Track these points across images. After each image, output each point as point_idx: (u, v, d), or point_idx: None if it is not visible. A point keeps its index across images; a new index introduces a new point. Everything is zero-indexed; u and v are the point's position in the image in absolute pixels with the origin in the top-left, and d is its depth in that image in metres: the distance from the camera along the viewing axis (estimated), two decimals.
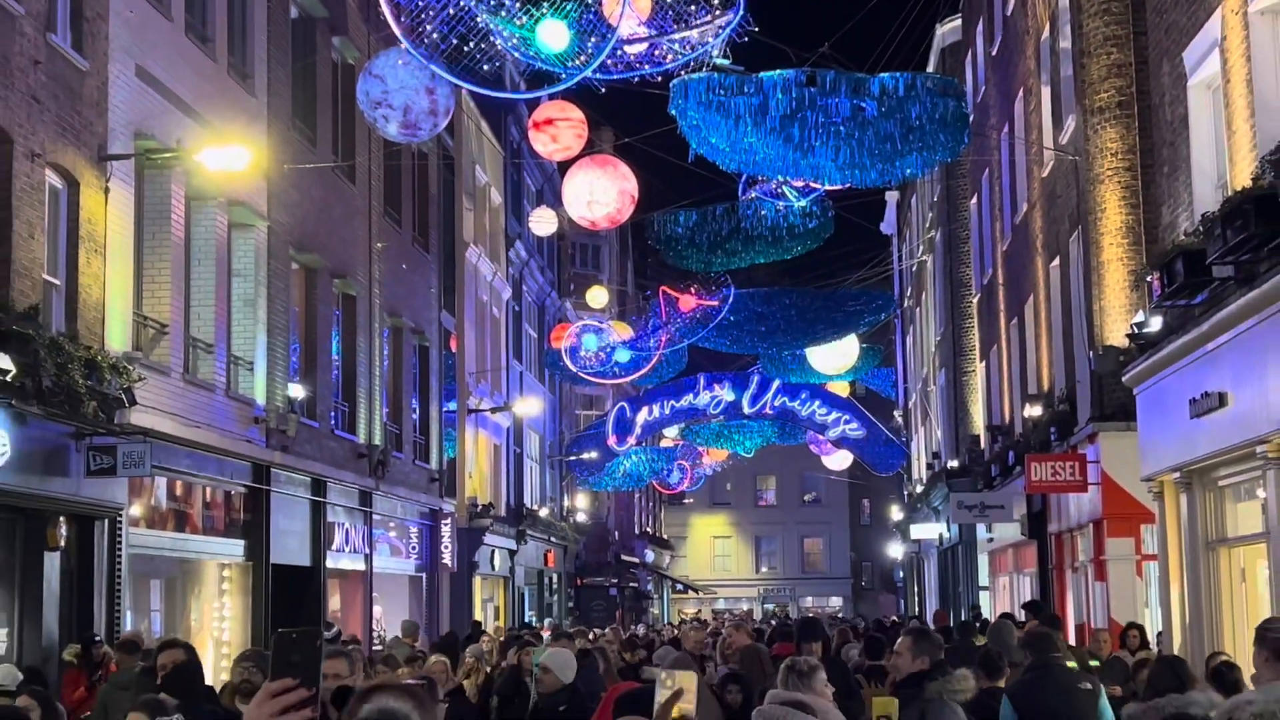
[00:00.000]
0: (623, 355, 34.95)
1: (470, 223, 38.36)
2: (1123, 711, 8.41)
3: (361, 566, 28.51)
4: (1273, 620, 8.27)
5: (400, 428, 31.13)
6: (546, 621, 41.96)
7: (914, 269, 49.83)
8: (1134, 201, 19.28)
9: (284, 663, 2.76)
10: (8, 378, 14.59)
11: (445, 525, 33.74)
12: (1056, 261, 23.29)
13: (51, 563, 16.68)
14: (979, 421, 34.58)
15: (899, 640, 8.60)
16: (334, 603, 27.48)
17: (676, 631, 27.02)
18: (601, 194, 18.66)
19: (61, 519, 16.77)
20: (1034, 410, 24.13)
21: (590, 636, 18.78)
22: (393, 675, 11.18)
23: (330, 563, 26.08)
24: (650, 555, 70.21)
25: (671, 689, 3.99)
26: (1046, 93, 23.95)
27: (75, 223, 17.26)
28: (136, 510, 19.04)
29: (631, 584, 63.53)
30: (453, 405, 35.73)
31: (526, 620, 41.65)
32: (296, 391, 24.30)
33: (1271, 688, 6.52)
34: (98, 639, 15.74)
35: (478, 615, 34.78)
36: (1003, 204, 29.65)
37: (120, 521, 18.08)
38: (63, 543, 16.75)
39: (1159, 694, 7.44)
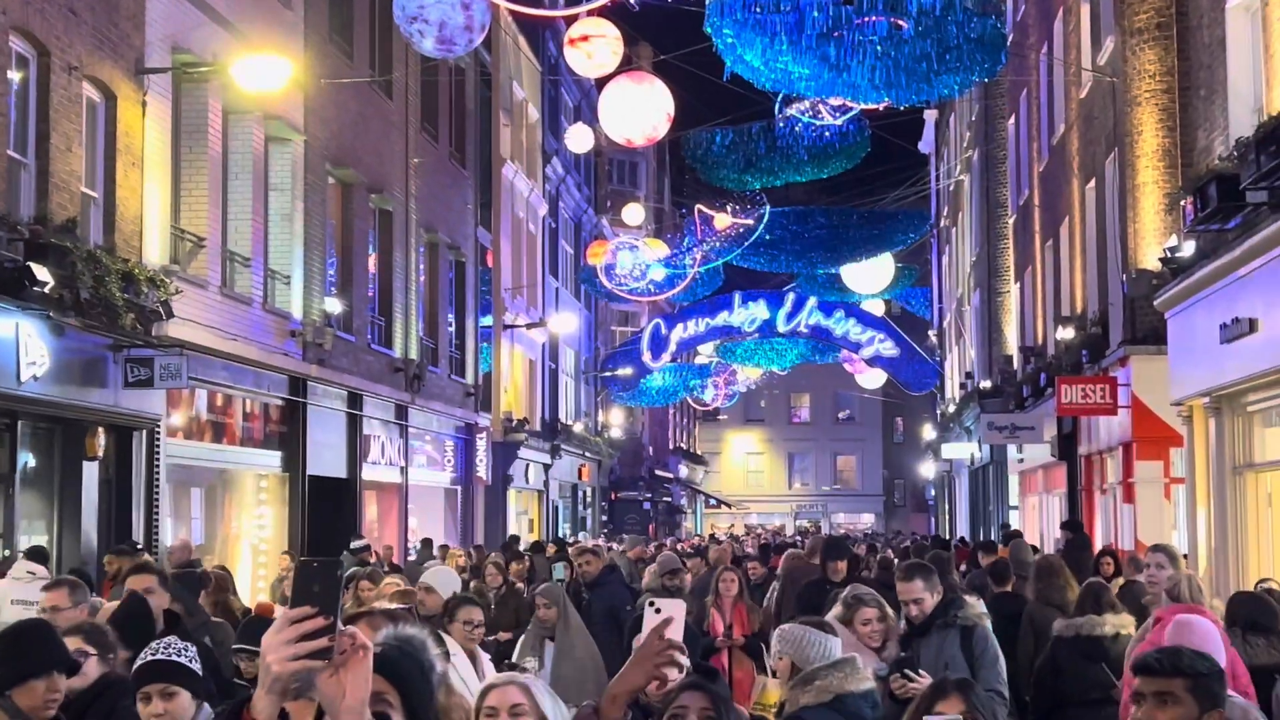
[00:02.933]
0: (657, 273, 35.00)
1: (507, 139, 38.34)
2: (1051, 628, 9.54)
3: (397, 479, 28.79)
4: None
5: (436, 342, 31.30)
6: (582, 535, 42.30)
7: (951, 189, 49.58)
8: (1170, 124, 19.13)
9: (304, 591, 2.77)
10: (46, 289, 14.74)
11: (480, 439, 34.00)
12: (1092, 184, 23.19)
13: (90, 472, 16.94)
14: (1012, 342, 34.53)
15: (908, 583, 8.11)
16: (370, 514, 27.79)
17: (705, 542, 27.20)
18: (637, 113, 18.61)
19: (100, 429, 17.00)
20: (1066, 332, 24.10)
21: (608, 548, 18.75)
22: (378, 592, 11.00)
23: (366, 475, 26.36)
24: (684, 470, 70.51)
25: (661, 617, 4.12)
26: (1086, 12, 23.75)
27: (113, 136, 17.38)
28: (175, 421, 19.28)
29: (665, 498, 63.87)
30: (488, 321, 35.88)
31: (561, 533, 41.97)
32: (333, 306, 24.47)
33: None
34: (138, 547, 16.01)
35: (512, 528, 35.07)
36: (1040, 125, 29.46)
37: (158, 432, 18.33)
38: (101, 453, 16.97)
39: (1081, 614, 8.91)
